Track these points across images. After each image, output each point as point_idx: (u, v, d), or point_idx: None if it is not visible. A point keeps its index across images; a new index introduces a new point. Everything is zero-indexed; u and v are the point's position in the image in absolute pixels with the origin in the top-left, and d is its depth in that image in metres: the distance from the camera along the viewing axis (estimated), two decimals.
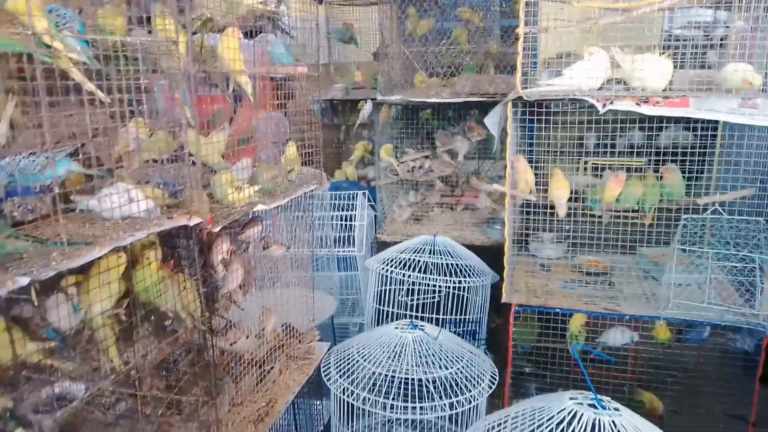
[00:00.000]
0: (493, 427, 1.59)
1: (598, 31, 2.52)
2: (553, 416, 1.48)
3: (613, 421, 1.45)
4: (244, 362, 2.23)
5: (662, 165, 2.65)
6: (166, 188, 1.70)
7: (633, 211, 2.59)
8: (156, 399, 1.83)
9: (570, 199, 2.62)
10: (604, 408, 1.51)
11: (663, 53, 2.33)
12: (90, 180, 1.59)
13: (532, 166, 2.71)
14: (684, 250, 2.34)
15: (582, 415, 1.47)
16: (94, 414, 1.83)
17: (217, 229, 1.73)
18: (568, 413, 1.48)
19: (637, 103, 2.31)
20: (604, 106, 2.32)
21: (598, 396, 1.55)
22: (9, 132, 1.31)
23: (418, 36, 3.95)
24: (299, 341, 2.65)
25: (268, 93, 2.36)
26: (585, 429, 1.42)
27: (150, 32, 1.55)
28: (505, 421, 1.57)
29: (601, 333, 2.68)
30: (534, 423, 1.49)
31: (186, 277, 1.73)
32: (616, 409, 1.51)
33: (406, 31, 3.94)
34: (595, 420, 1.45)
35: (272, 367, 2.42)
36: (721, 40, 2.62)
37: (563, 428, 1.43)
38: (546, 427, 1.45)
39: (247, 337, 2.21)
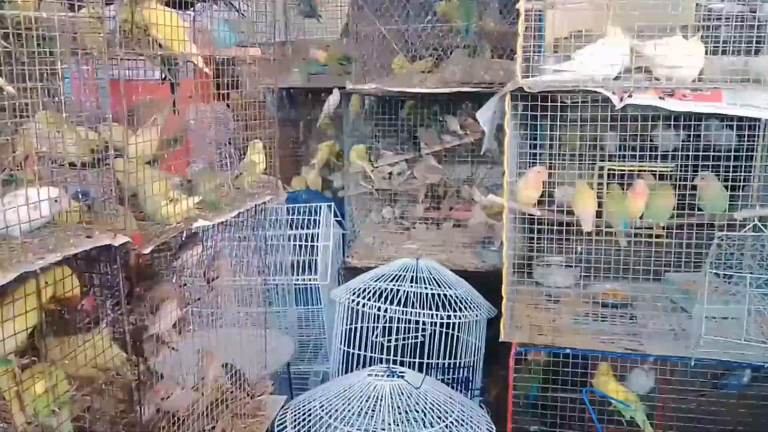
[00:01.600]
0: None
1: (615, 9, 2.64)
2: None
3: None
4: (179, 422, 2.26)
5: (699, 171, 2.78)
6: (84, 200, 1.75)
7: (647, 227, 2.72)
8: None
9: None
10: None
11: (695, 35, 2.45)
12: None
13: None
14: (718, 275, 2.47)
15: None
16: None
17: (146, 251, 1.78)
18: None
19: (660, 97, 2.43)
20: (621, 99, 2.44)
21: None
22: None
23: None
24: (248, 394, 2.69)
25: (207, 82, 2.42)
26: None
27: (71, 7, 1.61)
28: None
29: (622, 378, 2.79)
30: None
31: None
32: None
33: None
34: None
35: (213, 428, 2.45)
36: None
37: None
38: None
39: (183, 389, 2.25)
